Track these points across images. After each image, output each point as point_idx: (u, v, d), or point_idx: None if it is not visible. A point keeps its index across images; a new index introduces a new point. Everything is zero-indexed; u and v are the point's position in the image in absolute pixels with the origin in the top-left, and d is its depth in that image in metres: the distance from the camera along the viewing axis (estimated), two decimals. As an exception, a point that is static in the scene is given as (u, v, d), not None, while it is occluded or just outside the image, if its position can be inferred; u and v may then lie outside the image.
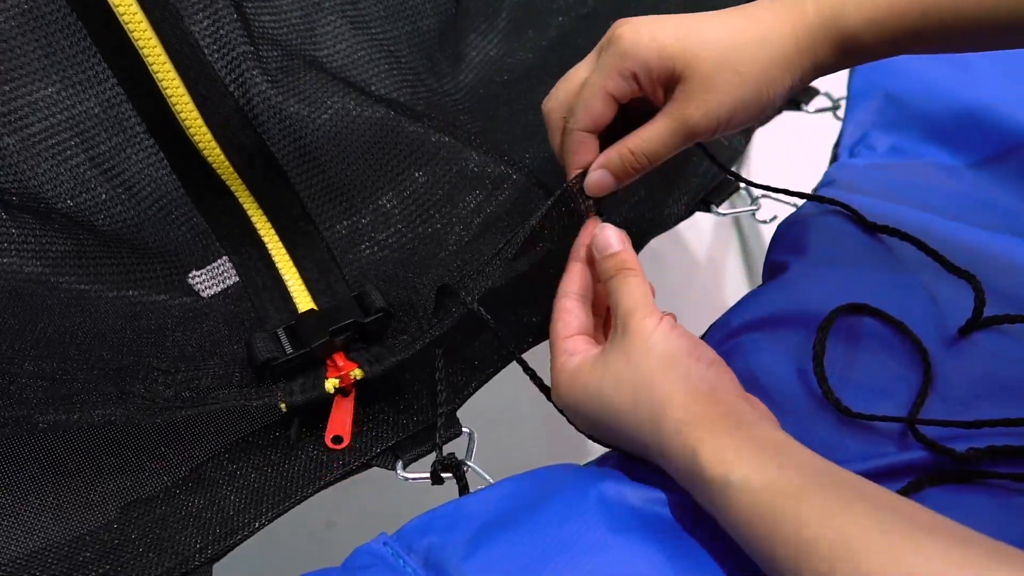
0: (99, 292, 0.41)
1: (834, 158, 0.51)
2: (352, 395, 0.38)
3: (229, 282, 0.43)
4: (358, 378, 0.38)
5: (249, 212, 0.43)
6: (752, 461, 0.28)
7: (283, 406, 0.37)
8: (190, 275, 0.43)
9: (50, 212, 0.40)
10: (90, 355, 0.38)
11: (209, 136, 0.41)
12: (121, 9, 0.39)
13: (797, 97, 0.56)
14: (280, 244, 0.44)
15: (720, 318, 0.41)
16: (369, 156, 0.45)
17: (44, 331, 0.38)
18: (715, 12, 0.35)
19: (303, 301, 0.42)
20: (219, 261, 0.43)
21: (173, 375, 0.38)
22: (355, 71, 0.46)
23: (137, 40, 0.39)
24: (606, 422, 0.33)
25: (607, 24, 0.37)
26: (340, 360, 0.39)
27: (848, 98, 0.53)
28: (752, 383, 0.36)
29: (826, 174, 0.49)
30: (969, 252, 0.40)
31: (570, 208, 0.38)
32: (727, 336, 0.39)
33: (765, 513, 0.27)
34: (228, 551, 0.34)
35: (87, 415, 0.35)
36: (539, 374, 0.37)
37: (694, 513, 0.31)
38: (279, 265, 0.43)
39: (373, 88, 0.47)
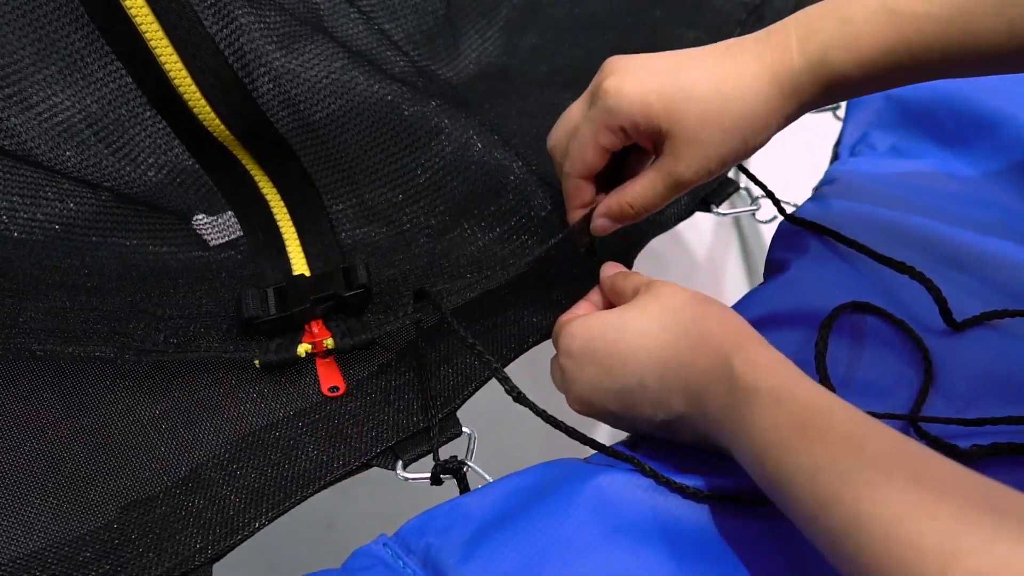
0: (112, 243, 0.43)
1: (835, 157, 0.51)
2: (332, 359, 0.40)
3: (234, 235, 0.45)
4: (329, 347, 0.40)
5: (255, 176, 0.45)
6: (781, 373, 0.29)
7: (257, 362, 0.39)
8: (196, 218, 0.44)
9: (61, 178, 0.42)
10: (94, 299, 0.40)
11: (208, 108, 0.42)
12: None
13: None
14: (283, 206, 0.45)
15: None
16: (374, 134, 0.46)
17: (56, 278, 0.41)
18: (700, 54, 0.36)
19: (298, 264, 0.44)
20: (227, 215, 0.45)
21: (167, 321, 0.40)
22: (363, 29, 0.48)
23: (135, 16, 0.39)
24: (622, 374, 0.33)
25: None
26: (316, 327, 0.41)
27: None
28: None
29: (827, 173, 0.49)
30: (969, 252, 0.40)
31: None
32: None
33: (790, 423, 0.27)
34: (228, 551, 0.34)
35: (80, 348, 0.37)
36: (538, 372, 0.37)
37: (695, 509, 0.31)
38: (281, 225, 0.45)
39: (385, 48, 0.48)
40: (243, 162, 0.44)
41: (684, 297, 0.34)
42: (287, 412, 0.39)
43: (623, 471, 0.32)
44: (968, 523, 0.21)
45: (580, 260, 0.44)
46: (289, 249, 0.45)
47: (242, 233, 0.45)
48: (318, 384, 0.40)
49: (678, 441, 0.33)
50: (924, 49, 0.32)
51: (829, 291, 0.39)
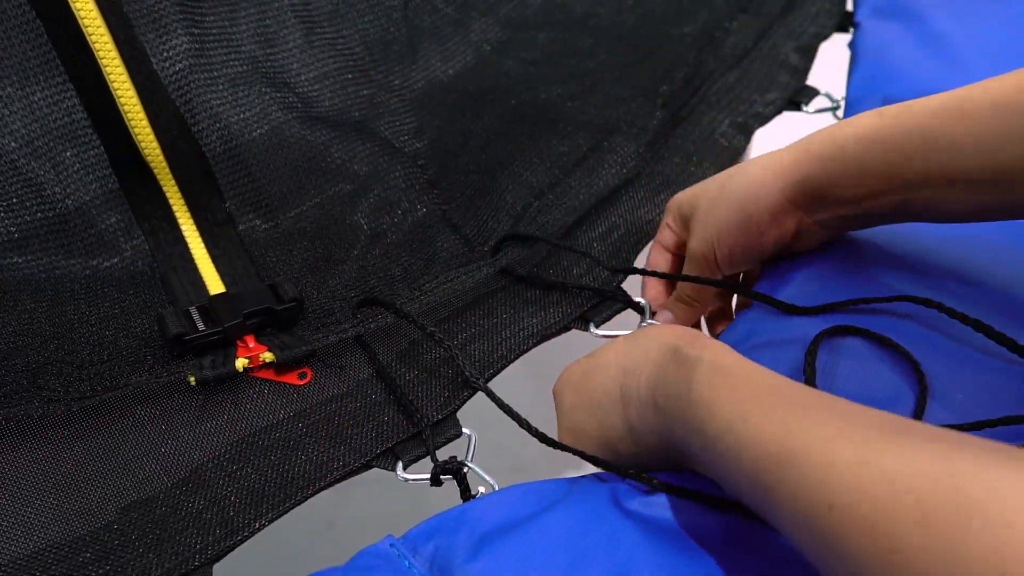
0: (17, 264, 0.44)
1: None
2: (271, 372, 0.41)
3: (142, 268, 0.46)
4: (267, 361, 0.40)
5: (173, 205, 0.47)
6: (724, 351, 0.30)
7: (192, 379, 0.39)
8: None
9: None
10: (8, 355, 0.40)
11: (152, 136, 0.44)
12: (82, 13, 0.41)
13: (797, 98, 0.56)
14: (200, 240, 0.47)
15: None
16: (296, 172, 0.49)
17: None
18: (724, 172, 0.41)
19: (214, 286, 0.45)
20: (137, 242, 0.46)
21: (87, 369, 0.40)
22: (303, 71, 0.51)
23: (94, 43, 0.42)
24: (591, 389, 0.35)
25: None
26: (251, 342, 0.41)
27: (847, 100, 0.53)
28: None
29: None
30: (960, 258, 0.40)
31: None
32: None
33: (727, 384, 0.28)
34: (228, 551, 0.34)
35: (5, 412, 0.37)
36: (538, 371, 0.37)
37: (712, 520, 0.31)
38: (194, 254, 0.46)
39: (317, 91, 0.51)
40: (167, 193, 0.46)
41: (654, 327, 0.36)
42: (287, 413, 0.39)
43: (632, 485, 0.32)
44: (879, 439, 0.22)
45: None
46: (205, 276, 0.45)
47: (154, 261, 0.46)
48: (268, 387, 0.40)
49: (649, 465, 0.33)
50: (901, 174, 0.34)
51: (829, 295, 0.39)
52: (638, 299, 0.43)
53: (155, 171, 0.45)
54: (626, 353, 0.34)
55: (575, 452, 0.34)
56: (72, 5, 0.41)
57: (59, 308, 0.42)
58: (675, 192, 0.44)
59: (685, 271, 0.42)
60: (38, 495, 0.35)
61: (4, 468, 0.36)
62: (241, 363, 0.40)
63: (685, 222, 0.42)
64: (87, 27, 0.41)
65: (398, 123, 0.53)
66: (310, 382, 0.40)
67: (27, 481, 0.36)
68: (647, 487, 0.32)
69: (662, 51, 0.58)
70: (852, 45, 0.57)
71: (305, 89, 0.51)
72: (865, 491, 0.21)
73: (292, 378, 0.40)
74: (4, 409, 0.37)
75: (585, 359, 0.36)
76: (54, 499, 0.35)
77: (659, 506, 0.31)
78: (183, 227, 0.47)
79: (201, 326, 0.41)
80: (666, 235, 0.43)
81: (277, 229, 0.48)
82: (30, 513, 0.35)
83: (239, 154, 0.47)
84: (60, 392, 0.38)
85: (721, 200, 0.39)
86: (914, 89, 0.50)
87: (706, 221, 0.40)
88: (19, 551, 0.34)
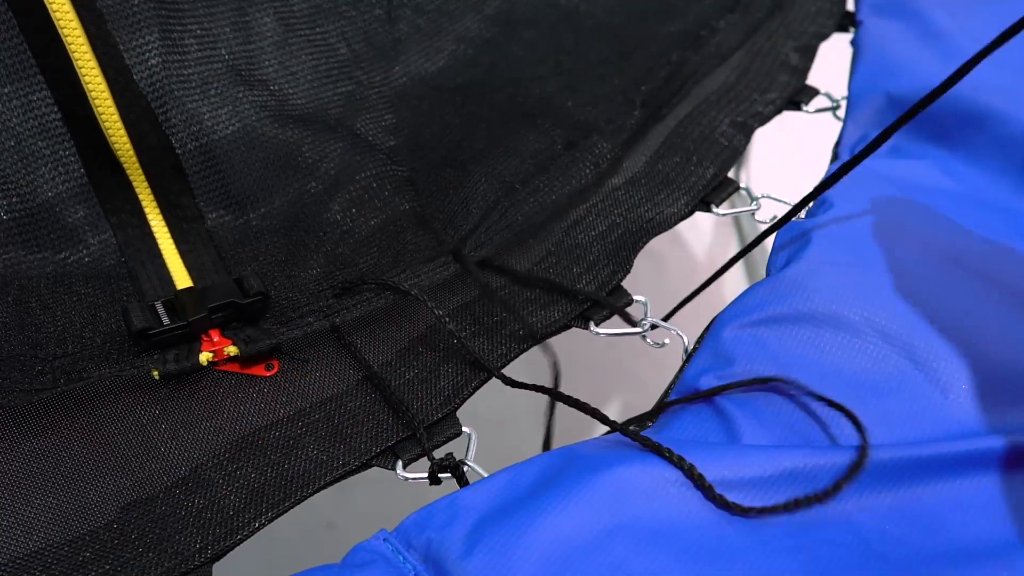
0: None
1: (834, 157, 0.51)
2: (235, 366, 0.41)
3: (110, 262, 0.46)
4: (231, 355, 0.40)
5: (143, 201, 0.46)
6: None
7: (155, 373, 0.39)
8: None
9: None
10: None
11: (123, 132, 0.44)
12: (55, 6, 0.41)
13: (797, 98, 0.56)
14: (168, 237, 0.46)
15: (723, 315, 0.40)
16: (267, 169, 0.49)
17: None
18: None
19: (181, 280, 0.45)
20: (105, 236, 0.46)
21: (51, 362, 0.40)
22: (280, 69, 0.51)
23: (66, 36, 0.42)
24: None
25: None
26: (215, 336, 0.41)
27: (849, 97, 0.53)
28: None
29: (827, 174, 0.49)
30: (971, 250, 0.40)
31: None
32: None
33: None
34: (228, 551, 0.34)
35: None
36: (538, 372, 0.37)
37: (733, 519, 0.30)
38: (164, 253, 0.46)
39: (294, 87, 0.51)
40: (136, 188, 0.46)
41: None
42: (287, 412, 0.39)
43: (649, 462, 0.32)
44: None
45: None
46: (172, 271, 0.45)
47: (121, 257, 0.46)
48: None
49: None
50: None
51: (832, 289, 0.39)
52: (638, 297, 0.43)
53: (125, 166, 0.45)
54: None
55: (603, 419, 0.34)
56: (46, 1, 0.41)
57: (23, 302, 0.42)
58: (675, 191, 0.43)
59: None
60: (38, 494, 0.35)
61: (4, 466, 0.36)
62: (205, 357, 0.40)
63: None
64: (59, 20, 0.41)
65: (376, 120, 0.53)
66: (277, 373, 0.40)
67: (27, 480, 0.36)
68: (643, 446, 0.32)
69: (644, 50, 0.59)
70: (854, 42, 0.57)
71: (281, 87, 0.51)
72: None
73: (259, 370, 0.40)
74: None
75: None
76: (54, 498, 0.35)
77: (692, 497, 0.31)
78: (152, 222, 0.47)
79: (166, 320, 0.41)
80: None
81: (247, 225, 0.48)
82: (30, 512, 0.35)
83: (210, 151, 0.47)
84: (22, 384, 0.38)
85: None
86: (915, 86, 0.50)
87: None
88: (19, 550, 0.34)
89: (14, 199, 0.44)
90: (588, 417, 0.35)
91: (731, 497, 0.31)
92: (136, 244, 0.46)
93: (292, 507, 0.36)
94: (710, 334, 0.39)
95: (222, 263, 0.46)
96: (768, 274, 0.42)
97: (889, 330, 0.37)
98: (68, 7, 0.41)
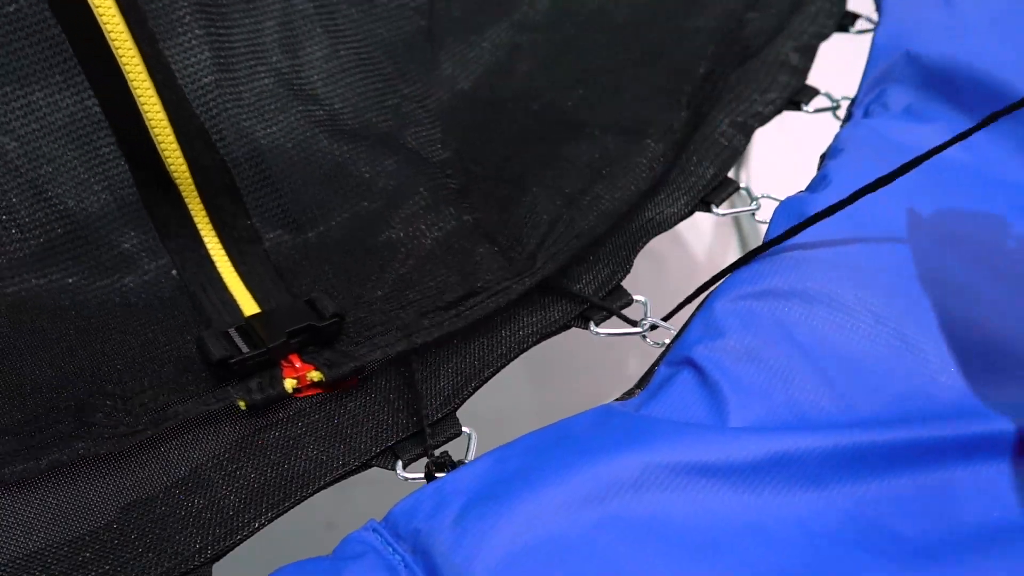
0: (39, 288, 0.43)
1: (848, 116, 0.50)
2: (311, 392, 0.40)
3: (172, 289, 0.45)
4: (314, 380, 0.39)
5: (198, 222, 0.45)
6: None
7: (242, 404, 0.38)
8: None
9: None
10: (46, 393, 0.39)
11: (178, 152, 0.43)
12: (109, 27, 0.40)
13: (797, 98, 0.56)
14: (226, 258, 0.46)
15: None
16: (323, 186, 0.48)
17: None
18: None
19: (248, 308, 0.44)
20: (162, 261, 0.45)
21: (130, 400, 0.38)
22: (329, 82, 0.50)
23: (121, 56, 0.41)
24: None
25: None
26: (296, 361, 0.40)
27: (871, 51, 0.53)
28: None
29: (837, 139, 0.48)
30: (969, 230, 0.40)
31: None
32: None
33: None
34: (228, 551, 0.34)
35: (54, 456, 0.35)
36: (539, 371, 0.37)
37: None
38: (224, 276, 0.45)
39: (343, 103, 0.50)
40: (191, 210, 0.45)
41: None
42: (287, 412, 0.39)
43: (638, 445, 0.31)
44: None
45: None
46: (236, 295, 0.44)
47: (181, 283, 0.45)
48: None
49: None
50: None
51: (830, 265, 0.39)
52: (638, 297, 0.43)
53: (180, 187, 0.44)
54: None
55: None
56: (99, 18, 0.40)
57: (88, 335, 0.41)
58: (675, 191, 0.43)
59: None
60: (38, 494, 0.35)
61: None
62: (289, 383, 0.38)
63: None
64: (113, 40, 0.41)
65: (423, 133, 0.52)
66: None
67: (27, 479, 0.36)
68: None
69: (678, 47, 0.58)
70: (877, 3, 0.57)
71: (332, 101, 0.50)
72: None
73: (344, 386, 0.39)
74: (51, 454, 0.35)
75: None
76: (54, 498, 0.35)
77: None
78: (208, 245, 0.46)
79: (245, 348, 0.39)
80: None
81: (306, 245, 0.47)
82: (30, 512, 0.35)
83: (265, 169, 0.46)
84: (107, 428, 0.36)
85: None
86: (939, 49, 0.50)
87: None
88: (19, 550, 0.34)
89: (65, 221, 0.43)
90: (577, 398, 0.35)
91: (719, 483, 0.31)
92: (194, 267, 0.45)
93: (292, 507, 0.36)
94: (704, 307, 0.39)
95: (283, 284, 0.45)
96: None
97: (882, 310, 0.37)
98: (122, 25, 0.41)
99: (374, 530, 0.31)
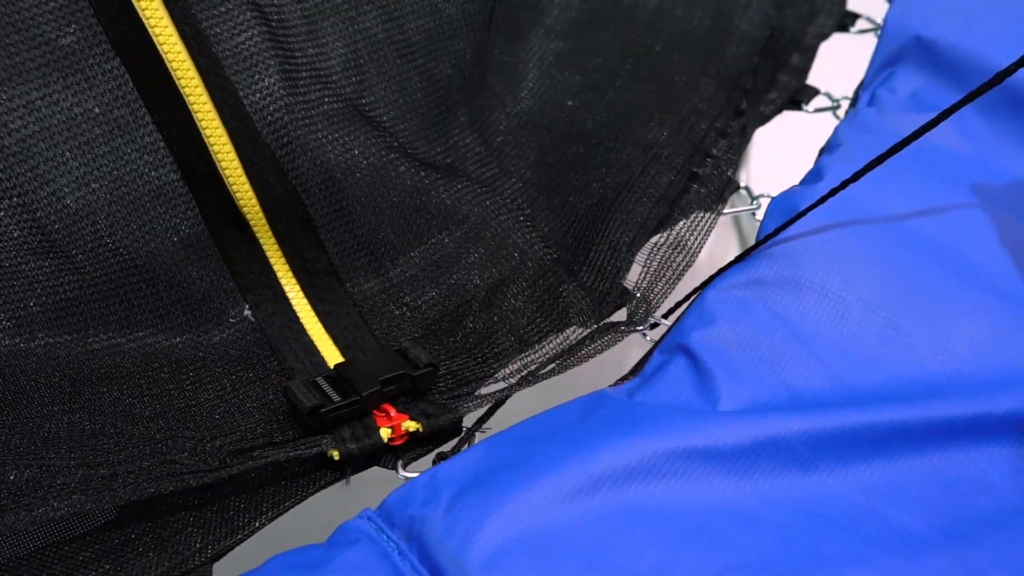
0: (109, 343, 0.40)
1: (853, 102, 0.50)
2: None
3: (249, 336, 0.42)
4: (410, 430, 0.37)
5: (272, 261, 0.43)
6: None
7: (335, 454, 0.36)
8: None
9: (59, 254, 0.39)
10: (124, 440, 0.37)
11: (248, 186, 0.40)
12: (170, 56, 0.38)
13: (797, 98, 0.56)
14: (304, 298, 0.43)
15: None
16: (400, 215, 0.45)
17: (49, 428, 0.36)
18: None
19: (331, 355, 0.42)
20: (244, 312, 0.43)
21: (211, 442, 0.37)
22: (392, 108, 0.45)
23: (184, 87, 0.39)
24: None
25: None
26: (391, 411, 0.38)
27: (882, 32, 0.53)
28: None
29: (835, 133, 0.48)
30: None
31: None
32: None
33: None
34: (228, 551, 0.34)
35: (137, 491, 0.34)
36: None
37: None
38: (303, 319, 0.43)
39: (408, 128, 0.46)
40: (266, 249, 0.42)
41: None
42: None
43: (632, 433, 0.32)
44: None
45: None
46: (317, 342, 0.42)
47: (258, 332, 0.42)
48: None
49: None
50: None
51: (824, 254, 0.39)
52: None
53: (252, 223, 0.41)
54: None
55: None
56: (159, 48, 0.38)
57: (163, 386, 0.39)
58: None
59: None
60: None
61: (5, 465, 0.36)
62: (385, 433, 0.36)
63: None
64: (176, 70, 0.38)
65: (484, 164, 0.49)
66: None
67: (27, 479, 0.35)
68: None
69: (727, 53, 0.55)
70: None
71: (402, 127, 0.46)
72: None
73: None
74: (126, 488, 0.34)
75: None
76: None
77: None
78: (284, 283, 0.43)
79: (336, 397, 0.37)
80: None
81: (385, 282, 0.44)
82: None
83: (340, 200, 0.43)
84: (190, 465, 0.35)
85: None
86: (951, 37, 0.50)
87: None
88: (19, 550, 0.33)
89: (130, 264, 0.40)
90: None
91: (711, 468, 0.31)
92: (270, 308, 0.42)
93: (292, 507, 0.36)
94: (698, 297, 0.40)
95: (367, 327, 0.42)
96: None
97: (872, 298, 0.38)
98: (184, 55, 0.38)
99: (368, 518, 0.31)
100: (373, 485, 0.41)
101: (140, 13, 0.37)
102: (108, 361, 0.40)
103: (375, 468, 0.37)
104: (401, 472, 0.37)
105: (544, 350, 0.41)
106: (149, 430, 0.37)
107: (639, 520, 0.29)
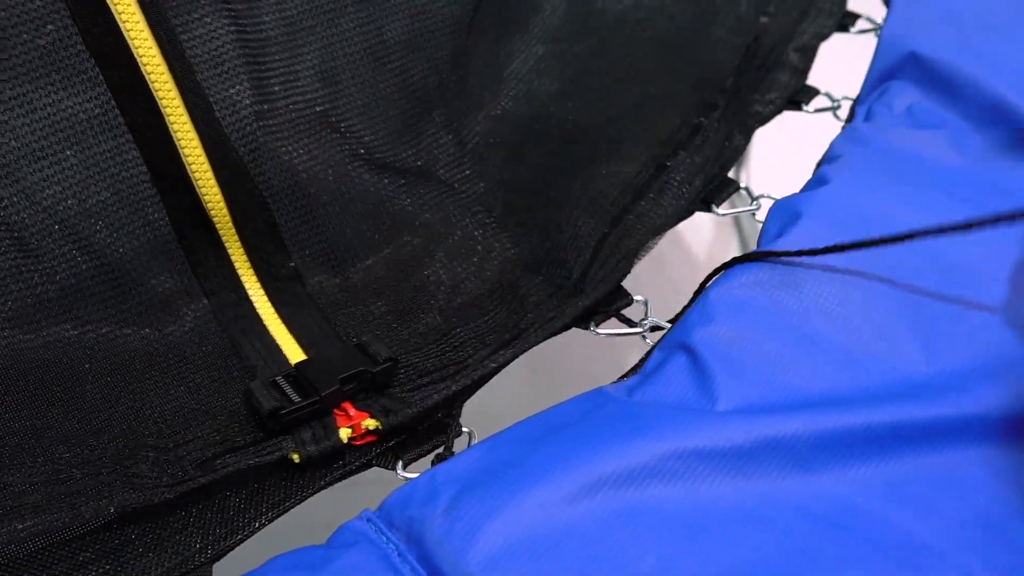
0: (74, 342, 0.40)
1: (851, 117, 0.51)
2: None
3: (214, 338, 0.42)
4: (370, 428, 0.37)
5: (235, 262, 0.44)
6: None
7: (296, 457, 0.36)
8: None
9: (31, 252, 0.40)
10: (85, 447, 0.37)
11: (216, 189, 0.41)
12: (144, 59, 0.39)
13: (797, 98, 0.56)
14: (267, 301, 0.44)
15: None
16: (364, 220, 0.46)
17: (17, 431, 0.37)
18: None
19: (293, 354, 0.42)
20: (200, 304, 0.43)
21: (173, 451, 0.37)
22: (363, 114, 0.46)
23: (157, 90, 0.39)
24: None
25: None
26: (350, 409, 0.38)
27: (878, 44, 0.53)
28: None
29: (832, 147, 0.48)
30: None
31: None
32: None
33: None
34: (228, 551, 0.34)
35: (93, 505, 0.34)
36: (539, 372, 0.37)
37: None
38: (266, 321, 0.43)
39: (375, 135, 0.47)
40: (230, 251, 0.43)
41: None
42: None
43: (632, 433, 0.32)
44: None
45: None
46: (280, 341, 0.42)
47: (222, 331, 0.42)
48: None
49: None
50: None
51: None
52: (638, 297, 0.43)
53: (217, 226, 0.42)
54: None
55: None
56: (134, 51, 0.38)
57: (127, 386, 0.39)
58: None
59: None
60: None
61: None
62: (345, 433, 0.37)
63: None
64: (149, 73, 0.39)
65: (457, 165, 0.50)
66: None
67: (28, 479, 0.36)
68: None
69: (700, 58, 0.56)
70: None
71: (364, 133, 0.47)
72: None
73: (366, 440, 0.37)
74: (88, 505, 0.34)
75: None
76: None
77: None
78: (247, 286, 0.43)
79: (296, 397, 0.37)
80: None
81: (347, 283, 0.45)
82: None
83: (305, 205, 0.44)
84: (151, 479, 0.35)
85: None
86: (937, 55, 0.50)
87: None
88: (19, 550, 0.33)
89: (99, 264, 0.41)
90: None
91: (710, 469, 0.31)
92: (233, 310, 0.43)
93: (292, 507, 0.36)
94: (700, 297, 0.40)
95: (329, 326, 0.43)
96: (759, 247, 0.42)
97: (869, 303, 0.38)
98: (159, 58, 0.39)
99: (368, 520, 0.31)
100: (373, 486, 0.41)
101: (116, 15, 0.38)
102: (73, 361, 0.40)
103: (375, 468, 0.37)
104: (401, 472, 0.37)
105: (501, 340, 0.41)
106: (113, 435, 0.37)
107: (639, 521, 0.29)
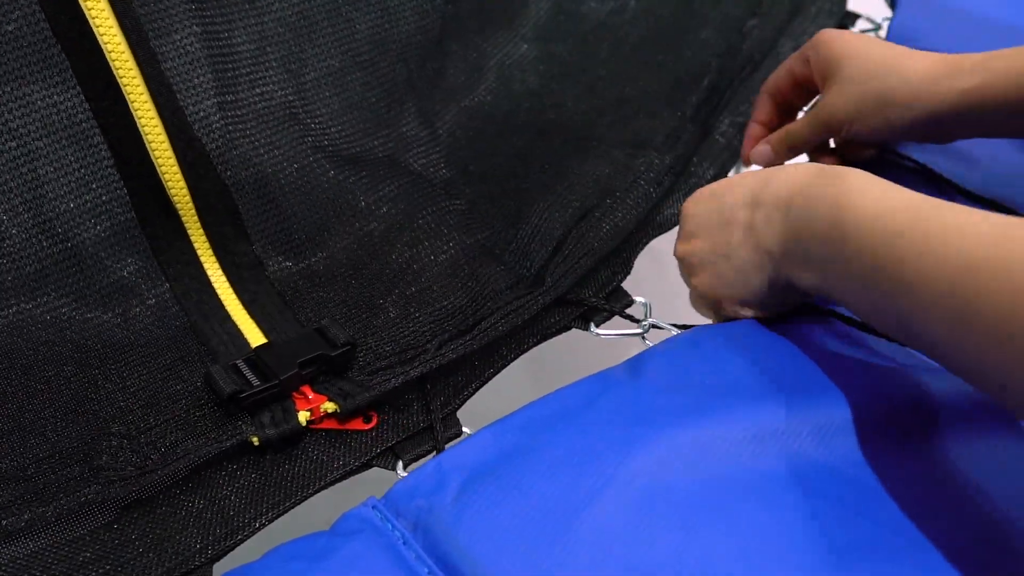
0: (33, 317, 0.41)
1: None
2: (331, 421, 0.38)
3: (176, 322, 0.43)
4: (328, 411, 0.38)
5: (198, 248, 0.44)
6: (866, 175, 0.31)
7: (255, 440, 0.36)
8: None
9: None
10: (48, 435, 0.37)
11: (180, 176, 0.42)
12: (110, 47, 0.39)
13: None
14: (229, 287, 0.44)
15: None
16: (326, 209, 0.47)
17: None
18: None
19: (254, 339, 0.42)
20: (162, 289, 0.44)
21: (136, 439, 0.37)
22: (329, 105, 0.47)
23: (121, 77, 0.40)
24: (720, 208, 0.37)
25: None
26: (309, 393, 0.38)
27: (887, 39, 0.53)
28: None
29: None
30: None
31: None
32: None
33: (878, 190, 0.29)
34: (228, 551, 0.34)
35: (63, 503, 0.34)
36: (539, 372, 0.37)
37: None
38: (228, 306, 0.44)
39: (342, 125, 0.48)
40: (192, 238, 0.44)
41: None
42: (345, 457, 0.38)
43: (641, 434, 0.32)
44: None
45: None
46: (241, 326, 0.43)
47: (184, 316, 0.43)
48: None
49: (778, 305, 0.36)
50: None
51: None
52: (638, 298, 0.43)
53: (180, 212, 0.43)
54: (763, 175, 0.36)
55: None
56: (99, 38, 0.39)
57: (89, 371, 0.40)
58: (675, 192, 0.43)
59: (801, 121, 0.44)
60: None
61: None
62: (303, 416, 0.37)
63: (820, 68, 0.42)
64: (114, 61, 0.39)
65: (426, 154, 0.51)
66: (376, 424, 0.38)
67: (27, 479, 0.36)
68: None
69: (681, 58, 0.57)
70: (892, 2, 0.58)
71: (332, 124, 0.48)
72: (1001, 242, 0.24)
73: (358, 424, 0.38)
74: (59, 501, 0.34)
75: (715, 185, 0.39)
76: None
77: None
78: (209, 272, 0.44)
79: (255, 381, 0.38)
80: (794, 63, 0.44)
81: (308, 270, 0.45)
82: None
83: (267, 194, 0.45)
84: (115, 471, 0.36)
85: (869, 72, 0.40)
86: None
87: (848, 86, 0.40)
88: (19, 550, 0.33)
89: (63, 248, 0.41)
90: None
91: (714, 459, 0.31)
92: (195, 296, 0.43)
93: (292, 507, 0.36)
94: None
95: (290, 312, 0.43)
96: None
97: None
98: (124, 46, 0.39)
99: (373, 507, 0.31)
100: (372, 485, 0.41)
101: (82, 3, 0.39)
102: (36, 346, 0.40)
103: (375, 468, 0.38)
104: (401, 472, 0.37)
105: (459, 326, 0.42)
106: (78, 423, 0.38)
107: (651, 508, 0.29)
